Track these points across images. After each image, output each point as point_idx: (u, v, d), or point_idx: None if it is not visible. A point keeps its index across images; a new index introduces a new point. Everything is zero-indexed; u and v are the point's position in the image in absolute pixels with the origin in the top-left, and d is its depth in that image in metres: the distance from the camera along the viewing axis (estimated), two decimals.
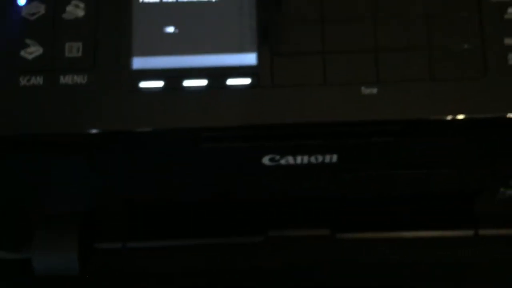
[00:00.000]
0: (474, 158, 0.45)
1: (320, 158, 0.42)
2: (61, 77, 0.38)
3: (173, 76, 0.38)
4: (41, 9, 0.39)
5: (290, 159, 0.42)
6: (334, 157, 0.42)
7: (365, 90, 0.38)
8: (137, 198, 0.49)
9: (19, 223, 0.51)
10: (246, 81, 0.39)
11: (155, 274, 0.52)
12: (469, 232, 0.53)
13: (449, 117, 0.38)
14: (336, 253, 0.52)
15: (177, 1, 0.39)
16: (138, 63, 0.39)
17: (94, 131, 0.38)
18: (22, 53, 0.38)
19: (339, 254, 0.53)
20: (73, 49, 0.38)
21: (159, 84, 0.38)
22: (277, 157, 0.42)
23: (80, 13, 0.39)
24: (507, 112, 0.38)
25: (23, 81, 0.38)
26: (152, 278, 0.52)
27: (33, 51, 0.38)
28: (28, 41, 0.38)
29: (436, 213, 0.53)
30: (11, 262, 0.54)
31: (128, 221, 0.51)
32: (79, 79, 0.38)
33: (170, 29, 0.39)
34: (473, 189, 0.50)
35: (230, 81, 0.39)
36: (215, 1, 0.39)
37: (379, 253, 0.52)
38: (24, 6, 0.39)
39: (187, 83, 0.38)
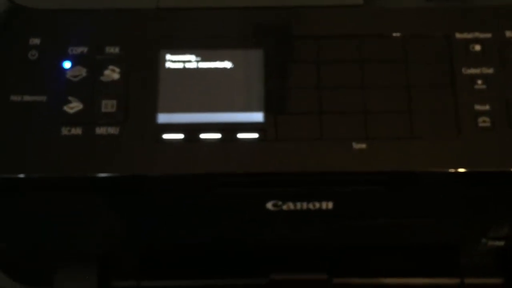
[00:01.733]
0: (454, 209, 0.50)
1: (317, 205, 0.47)
2: (97, 129, 0.44)
3: (192, 130, 0.44)
4: (83, 72, 0.45)
5: (291, 205, 0.47)
6: (330, 204, 0.47)
7: (356, 145, 0.44)
8: (152, 242, 0.54)
9: (42, 260, 0.55)
10: (254, 135, 0.44)
11: None
12: (456, 281, 0.57)
13: (426, 170, 0.43)
14: None
15: (197, 68, 0.46)
16: (163, 118, 0.44)
17: (123, 175, 0.44)
18: (65, 108, 0.44)
19: None
20: (108, 105, 0.44)
21: (180, 136, 0.44)
22: (280, 202, 0.47)
23: (116, 76, 0.45)
24: (477, 167, 0.43)
25: (64, 131, 0.44)
26: None
27: (74, 106, 0.45)
28: (70, 98, 0.45)
29: (426, 261, 0.58)
30: None
31: (143, 261, 0.56)
32: (112, 130, 0.44)
33: (190, 90, 0.45)
34: (458, 240, 0.55)
35: (240, 135, 0.44)
36: (229, 68, 0.46)
37: None
38: (68, 69, 0.45)
39: (203, 136, 0.44)
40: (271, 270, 0.57)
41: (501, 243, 0.54)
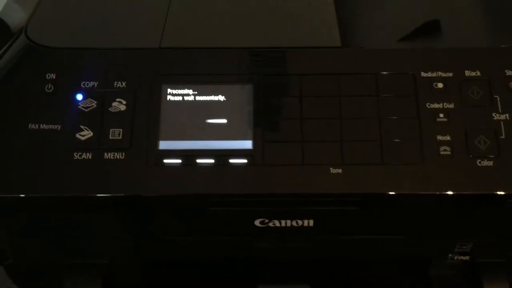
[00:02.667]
0: (420, 227, 0.55)
1: (300, 222, 0.52)
2: (105, 154, 0.49)
3: (189, 156, 0.49)
4: (93, 104, 0.50)
5: (277, 222, 0.52)
6: (311, 222, 0.53)
7: (333, 170, 0.49)
8: (151, 254, 0.59)
9: (50, 270, 0.59)
10: (244, 161, 0.49)
11: None
12: None
13: (394, 193, 0.49)
14: None
15: (194, 100, 0.51)
16: (164, 145, 0.49)
17: (128, 195, 0.49)
18: (77, 135, 0.49)
19: None
20: (115, 133, 0.49)
21: (178, 161, 0.49)
22: (266, 220, 0.52)
23: (122, 107, 0.50)
24: (438, 191, 0.49)
25: (76, 156, 0.49)
26: None
27: (85, 134, 0.50)
28: (82, 126, 0.50)
29: (398, 273, 0.63)
30: None
31: (143, 273, 0.61)
32: (119, 155, 0.49)
33: (188, 120, 0.50)
34: (426, 254, 0.59)
35: (232, 161, 0.49)
36: (222, 101, 0.51)
37: None
38: (80, 101, 0.50)
39: (199, 161, 0.49)
40: (259, 281, 0.62)
41: (466, 257, 0.59)
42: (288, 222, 0.53)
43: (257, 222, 0.53)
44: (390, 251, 0.58)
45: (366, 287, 0.62)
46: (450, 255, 0.59)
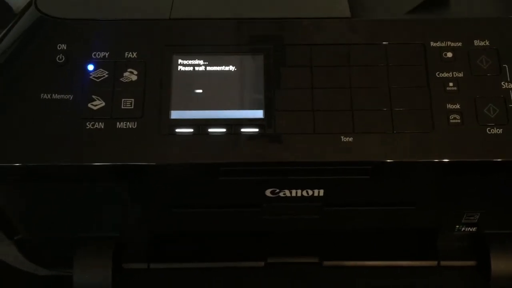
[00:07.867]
0: (430, 198, 0.55)
1: (310, 192, 0.53)
2: (117, 123, 0.49)
3: (201, 125, 0.49)
4: (105, 74, 0.50)
5: (287, 192, 0.53)
6: (321, 192, 0.53)
7: (344, 139, 0.49)
8: (162, 226, 0.59)
9: (60, 244, 0.60)
10: (255, 130, 0.49)
11: None
12: (433, 263, 0.62)
13: (404, 160, 0.49)
14: (322, 278, 0.62)
15: (205, 70, 0.52)
16: (175, 114, 0.50)
17: (141, 163, 0.49)
18: (89, 105, 0.50)
19: (326, 279, 0.63)
20: (127, 103, 0.50)
21: (190, 130, 0.49)
22: (277, 190, 0.53)
23: (134, 77, 0.50)
24: (448, 158, 0.49)
25: (88, 125, 0.49)
26: None
27: (97, 103, 0.50)
28: (94, 96, 0.50)
29: (406, 245, 0.64)
30: (52, 278, 0.63)
31: (153, 246, 0.62)
32: (131, 125, 0.49)
33: (200, 91, 0.51)
34: (435, 225, 0.60)
35: (243, 130, 0.49)
36: (233, 71, 0.51)
37: (359, 278, 0.63)
38: (92, 71, 0.51)
39: (211, 130, 0.49)
40: (268, 254, 0.62)
41: (474, 229, 0.60)
42: (299, 192, 0.53)
43: (267, 192, 0.53)
44: (399, 223, 0.59)
45: (372, 259, 0.63)
46: (457, 226, 0.60)
